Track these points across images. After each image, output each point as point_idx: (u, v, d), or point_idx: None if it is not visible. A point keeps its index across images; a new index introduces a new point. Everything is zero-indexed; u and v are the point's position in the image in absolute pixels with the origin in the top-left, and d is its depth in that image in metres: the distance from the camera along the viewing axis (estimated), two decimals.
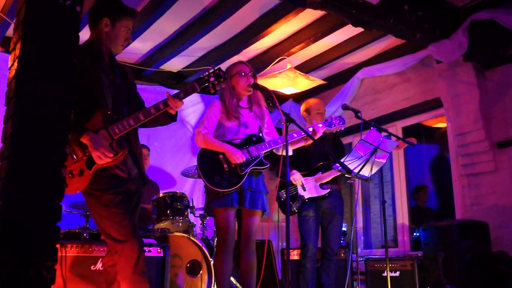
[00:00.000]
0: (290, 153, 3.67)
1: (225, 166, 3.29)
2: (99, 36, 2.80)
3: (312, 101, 4.60)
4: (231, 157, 3.28)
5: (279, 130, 3.75)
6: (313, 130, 3.64)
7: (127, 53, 5.56)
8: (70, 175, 2.57)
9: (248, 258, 3.37)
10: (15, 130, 2.20)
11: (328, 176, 4.23)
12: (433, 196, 6.75)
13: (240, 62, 3.61)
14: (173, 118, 2.92)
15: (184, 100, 2.84)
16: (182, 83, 6.20)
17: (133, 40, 5.09)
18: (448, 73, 4.99)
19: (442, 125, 5.82)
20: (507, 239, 4.53)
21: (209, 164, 3.35)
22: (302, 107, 4.60)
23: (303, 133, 3.49)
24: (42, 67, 2.30)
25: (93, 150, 2.57)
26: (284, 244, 5.77)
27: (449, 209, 5.30)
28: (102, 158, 2.58)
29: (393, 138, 3.96)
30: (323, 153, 4.33)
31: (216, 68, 2.97)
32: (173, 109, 2.81)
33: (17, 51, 2.30)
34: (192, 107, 6.18)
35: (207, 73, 2.96)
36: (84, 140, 2.58)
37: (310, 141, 3.66)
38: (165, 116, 2.86)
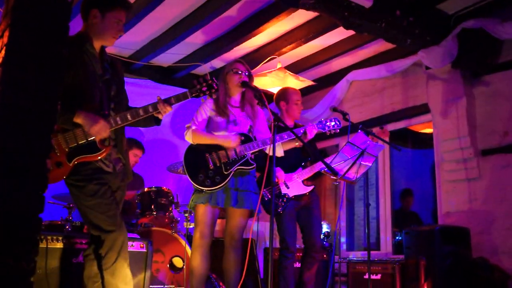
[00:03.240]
0: (282, 154, 3.66)
1: (211, 165, 3.29)
2: (90, 28, 2.77)
3: (289, 89, 4.33)
4: (227, 144, 3.30)
5: (269, 128, 3.71)
6: (305, 131, 3.63)
7: (117, 46, 5.51)
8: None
9: (232, 257, 3.37)
10: (1, 119, 2.17)
11: (309, 172, 4.11)
12: (421, 200, 6.82)
13: (237, 61, 3.58)
14: (157, 122, 2.91)
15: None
16: (172, 78, 6.17)
17: (124, 33, 5.04)
18: (436, 79, 5.04)
19: (429, 130, 5.87)
20: (487, 246, 4.58)
21: (195, 162, 3.34)
22: (277, 94, 4.30)
23: (292, 135, 3.48)
24: (30, 57, 2.27)
25: (90, 126, 2.57)
26: (267, 243, 5.78)
27: (434, 214, 5.35)
28: (101, 133, 2.59)
29: (379, 142, 3.97)
30: (300, 150, 4.15)
31: (210, 78, 2.95)
32: (162, 114, 2.80)
33: (5, 39, 2.26)
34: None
35: (200, 82, 2.93)
36: (78, 119, 2.57)
37: (301, 142, 3.64)
38: (150, 118, 2.85)
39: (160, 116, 2.85)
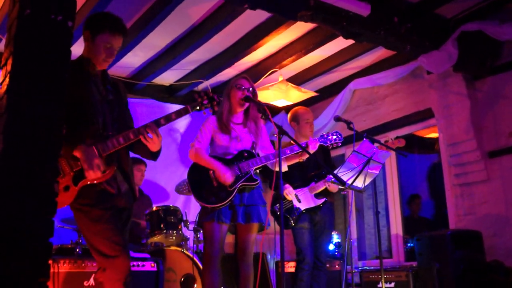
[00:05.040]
0: (285, 169, 3.66)
1: (214, 182, 3.30)
2: (87, 50, 2.80)
3: (300, 109, 4.50)
4: (220, 177, 3.29)
5: (272, 143, 3.73)
6: (307, 145, 3.64)
7: (119, 67, 5.56)
8: None
9: (245, 272, 3.36)
10: (7, 146, 2.18)
11: (321, 186, 4.19)
12: (429, 205, 6.77)
13: (242, 77, 3.58)
14: (153, 156, 2.88)
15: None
16: (174, 96, 6.20)
17: (125, 54, 5.10)
18: (438, 83, 5.04)
19: (434, 135, 5.86)
20: (501, 248, 4.54)
21: (199, 179, 3.35)
22: (290, 116, 4.49)
23: (295, 149, 3.50)
24: (34, 83, 2.29)
25: (85, 163, 2.55)
26: (279, 256, 5.76)
27: (444, 218, 5.31)
28: (94, 172, 2.57)
29: (385, 149, 3.97)
30: (314, 164, 4.28)
31: (211, 93, 2.96)
32: (155, 136, 2.72)
33: (9, 67, 2.29)
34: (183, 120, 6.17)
35: (201, 95, 2.93)
36: (77, 153, 2.57)
37: (304, 157, 3.66)
38: (146, 149, 2.81)
39: (154, 144, 2.77)
